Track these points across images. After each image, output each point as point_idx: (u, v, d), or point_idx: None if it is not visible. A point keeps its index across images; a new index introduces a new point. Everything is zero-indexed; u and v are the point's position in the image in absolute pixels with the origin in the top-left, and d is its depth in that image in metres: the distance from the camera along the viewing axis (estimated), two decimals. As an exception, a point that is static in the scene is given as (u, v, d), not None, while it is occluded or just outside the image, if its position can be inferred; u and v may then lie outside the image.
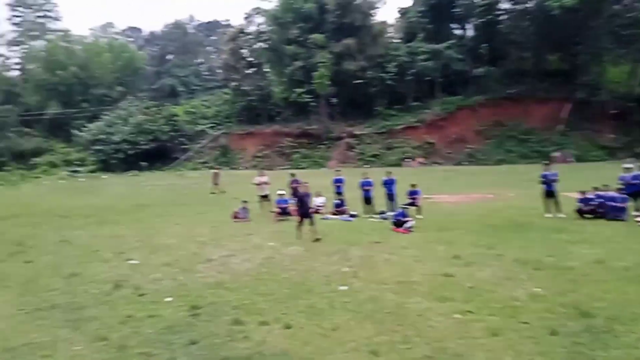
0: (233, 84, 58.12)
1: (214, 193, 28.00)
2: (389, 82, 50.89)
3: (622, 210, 15.06)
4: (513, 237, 13.13)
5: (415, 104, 51.71)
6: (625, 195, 15.27)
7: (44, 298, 9.21)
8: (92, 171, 50.62)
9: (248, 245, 13.37)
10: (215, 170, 30.74)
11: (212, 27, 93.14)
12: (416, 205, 17.32)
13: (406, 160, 45.80)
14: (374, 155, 47.43)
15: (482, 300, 8.26)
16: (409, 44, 52.70)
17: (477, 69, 50.75)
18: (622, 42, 46.53)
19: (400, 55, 51.42)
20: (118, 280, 10.10)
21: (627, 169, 16.06)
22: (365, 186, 18.63)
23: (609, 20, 45.43)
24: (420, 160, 45.91)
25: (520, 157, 44.35)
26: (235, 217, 18.14)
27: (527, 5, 50.80)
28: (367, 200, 18.57)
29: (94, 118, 56.72)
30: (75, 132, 54.95)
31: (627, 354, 6.17)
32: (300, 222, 14.07)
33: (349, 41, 49.86)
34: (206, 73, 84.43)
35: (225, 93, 64.15)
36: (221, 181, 29.36)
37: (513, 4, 52.52)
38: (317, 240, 13.38)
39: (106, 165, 51.00)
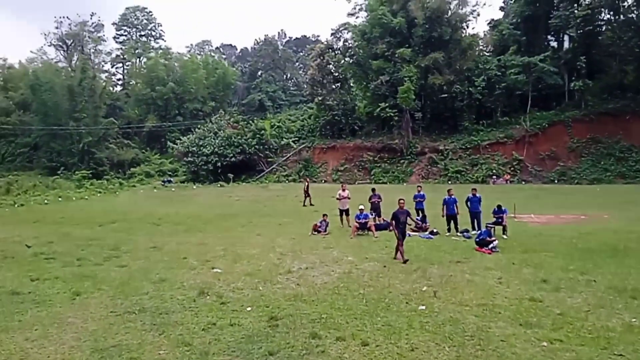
0: (318, 98, 59.00)
1: (306, 205, 28.28)
2: (477, 96, 49.39)
3: None
4: (608, 263, 12.24)
5: (504, 119, 49.70)
6: None
7: (134, 301, 9.76)
8: (183, 181, 53.17)
9: (327, 258, 13.45)
10: (307, 182, 31.07)
11: (301, 43, 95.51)
12: (502, 225, 16.62)
13: (492, 177, 44.11)
14: (458, 172, 46.00)
15: (571, 329, 7.75)
16: (499, 57, 50.99)
17: (573, 83, 48.02)
18: None
19: (490, 69, 49.81)
20: (203, 288, 10.51)
21: None
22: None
23: None
24: (507, 177, 44.00)
25: (617, 177, 41.28)
26: (315, 230, 18.32)
27: (631, 15, 47.55)
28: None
29: (187, 131, 59.79)
30: (170, 144, 58.17)
31: None
32: (400, 244, 13.21)
33: (437, 55, 49.00)
34: (293, 88, 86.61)
35: (310, 107, 65.32)
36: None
37: (614, 15, 49.35)
38: (406, 261, 12.80)
39: (196, 176, 53.39)
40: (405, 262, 12.69)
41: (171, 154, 59.59)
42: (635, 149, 43.20)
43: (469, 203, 17.81)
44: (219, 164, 52.52)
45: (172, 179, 54.26)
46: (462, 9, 53.11)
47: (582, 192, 33.99)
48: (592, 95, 47.50)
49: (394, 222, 13.47)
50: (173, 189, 46.23)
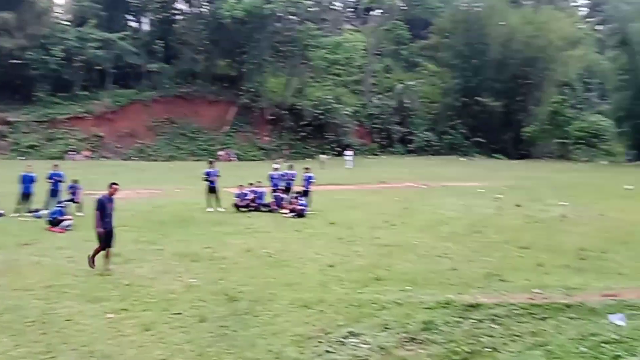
0: None
1: None
2: (53, 66, 45.61)
3: (276, 203, 17.17)
4: (175, 232, 13.50)
5: (83, 93, 47.73)
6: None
7: None
8: None
9: None
10: None
11: None
12: (76, 202, 16.06)
13: (70, 153, 42.03)
14: (32, 146, 41.85)
15: (137, 297, 8.19)
16: (79, 29, 48.43)
17: (151, 65, 50.22)
18: (280, 57, 53.21)
19: (69, 39, 46.75)
20: None
21: (276, 168, 18.43)
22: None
23: (271, 35, 51.05)
24: (87, 153, 42.79)
25: (189, 154, 46.04)
26: None
27: (202, 9, 52.99)
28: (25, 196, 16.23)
29: None
30: None
31: (264, 330, 6.98)
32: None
33: (6, 15, 42.82)
34: None
35: None
36: None
37: (189, 6, 54.00)
38: None
39: None
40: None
41: None
42: (203, 130, 49.02)
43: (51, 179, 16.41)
44: None
45: None
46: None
47: (158, 168, 36.32)
48: (168, 79, 50.90)
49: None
50: None
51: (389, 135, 56.74)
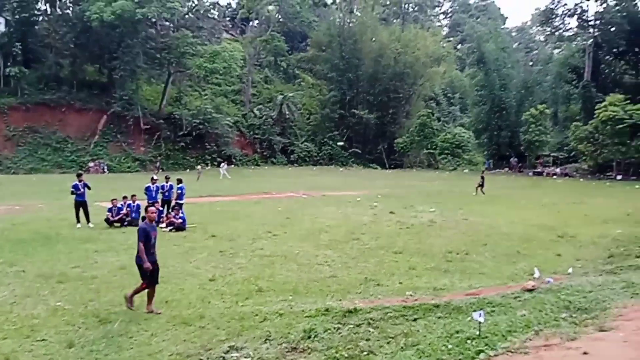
0: None
1: None
2: None
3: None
4: (39, 251, 12.38)
5: None
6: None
7: None
8: None
9: None
10: None
11: None
12: None
13: None
14: None
15: (-4, 325, 7.37)
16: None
17: (8, 69, 45.65)
18: (155, 64, 51.19)
19: None
20: None
21: (153, 180, 17.64)
22: None
23: (144, 41, 48.92)
24: None
25: (54, 166, 42.58)
26: None
27: (67, 11, 49.42)
28: None
29: None
30: None
31: (139, 352, 6.59)
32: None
33: None
34: None
35: None
36: None
37: (52, 7, 50.06)
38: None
39: None
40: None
41: None
42: (70, 140, 45.57)
43: None
44: None
45: None
46: None
47: (19, 182, 33.13)
48: (28, 84, 46.81)
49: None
50: None
51: (271, 146, 57.18)
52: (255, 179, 38.52)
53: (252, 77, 62.04)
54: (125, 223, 16.21)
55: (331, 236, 15.05)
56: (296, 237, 14.96)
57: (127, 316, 7.84)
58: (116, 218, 16.26)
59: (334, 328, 7.06)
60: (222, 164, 43.47)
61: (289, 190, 29.65)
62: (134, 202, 16.69)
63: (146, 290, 8.21)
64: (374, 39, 62.12)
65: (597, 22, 53.65)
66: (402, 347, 5.94)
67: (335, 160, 58.25)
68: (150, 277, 8.16)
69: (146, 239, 8.17)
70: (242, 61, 55.10)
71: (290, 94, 60.27)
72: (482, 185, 28.03)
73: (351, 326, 7.08)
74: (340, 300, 8.56)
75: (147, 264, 8.02)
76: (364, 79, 61.34)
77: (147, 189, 17.26)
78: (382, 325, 7.05)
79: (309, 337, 6.75)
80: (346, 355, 6.06)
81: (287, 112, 58.56)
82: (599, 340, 4.64)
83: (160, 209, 16.70)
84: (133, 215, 16.35)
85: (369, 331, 6.87)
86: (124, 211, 16.45)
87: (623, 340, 4.54)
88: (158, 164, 46.38)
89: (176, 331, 7.26)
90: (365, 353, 6.08)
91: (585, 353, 4.23)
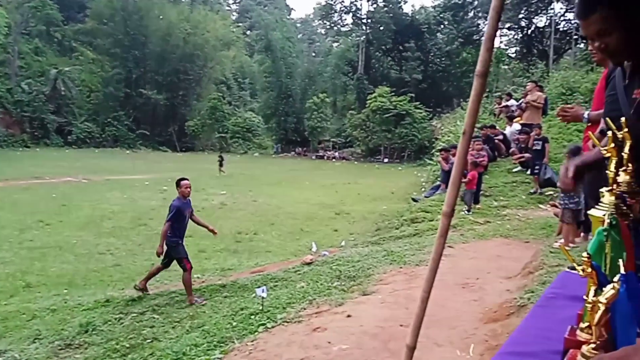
0: None
1: None
2: None
3: None
4: None
5: None
6: None
7: None
8: None
9: None
10: None
11: None
12: None
13: None
14: None
15: None
16: None
17: None
18: None
19: None
20: None
21: None
22: None
23: None
24: None
25: None
26: None
27: None
28: None
29: None
30: None
31: None
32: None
33: None
34: None
35: None
36: None
37: None
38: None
39: None
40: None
41: None
42: None
43: None
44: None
45: None
46: None
47: None
48: None
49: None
50: None
51: (43, 125, 50.87)
52: (24, 162, 33.93)
53: (19, 48, 54.24)
54: None
55: (115, 223, 14.25)
56: (74, 225, 13.81)
57: None
58: None
59: (115, 319, 6.79)
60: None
61: (66, 175, 26.91)
62: None
63: None
64: (161, 17, 59.39)
65: (369, 20, 59.86)
66: (187, 330, 5.99)
67: (121, 142, 54.48)
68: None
69: (178, 218, 7.89)
70: (6, 28, 47.74)
71: (67, 69, 54.27)
72: (221, 165, 30.40)
73: (134, 315, 6.90)
74: (123, 289, 8.23)
75: (161, 248, 7.57)
76: (151, 58, 58.35)
77: None
78: (167, 311, 7.01)
79: (86, 332, 6.39)
80: (127, 345, 5.89)
81: (62, 88, 52.60)
82: (361, 303, 5.28)
83: None
84: None
85: (154, 318, 6.77)
86: None
87: (380, 302, 5.24)
88: None
89: None
90: (148, 340, 5.99)
91: (349, 316, 4.80)
